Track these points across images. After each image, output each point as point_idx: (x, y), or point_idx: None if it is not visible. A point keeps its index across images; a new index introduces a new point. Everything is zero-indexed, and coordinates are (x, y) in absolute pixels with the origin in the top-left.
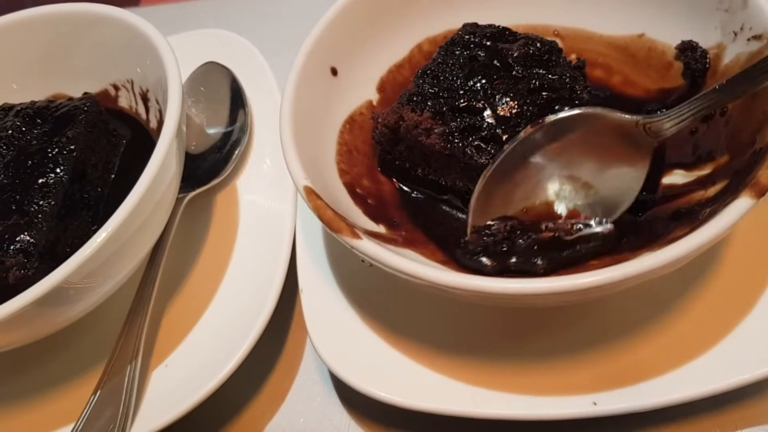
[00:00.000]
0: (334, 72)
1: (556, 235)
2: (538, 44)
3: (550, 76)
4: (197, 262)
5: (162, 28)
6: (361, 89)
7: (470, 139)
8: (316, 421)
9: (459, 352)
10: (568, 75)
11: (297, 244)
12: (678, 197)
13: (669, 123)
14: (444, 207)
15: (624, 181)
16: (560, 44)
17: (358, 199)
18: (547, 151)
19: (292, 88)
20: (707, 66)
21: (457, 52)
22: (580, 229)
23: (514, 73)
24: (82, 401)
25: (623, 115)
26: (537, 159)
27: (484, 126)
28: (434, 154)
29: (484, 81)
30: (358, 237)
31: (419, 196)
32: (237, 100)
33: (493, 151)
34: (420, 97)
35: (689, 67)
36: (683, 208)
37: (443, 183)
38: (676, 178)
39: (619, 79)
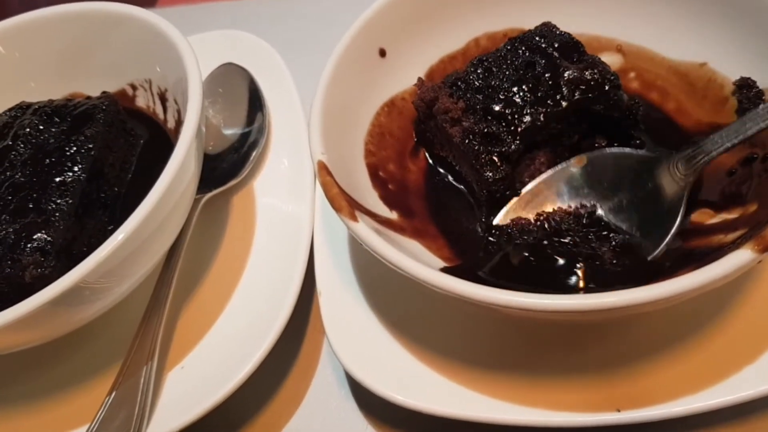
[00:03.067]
0: (382, 53)
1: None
2: (597, 73)
3: (595, 110)
4: (214, 263)
5: (178, 29)
6: (408, 74)
7: (489, 147)
8: (333, 425)
9: (479, 364)
10: (617, 114)
11: (315, 246)
12: (700, 236)
13: (700, 156)
14: (465, 203)
15: (657, 216)
16: (621, 61)
17: (378, 182)
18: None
19: (334, 63)
20: None
21: (520, 52)
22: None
23: (558, 97)
24: (97, 402)
25: (651, 155)
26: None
27: (507, 142)
28: (454, 144)
29: (528, 94)
30: (356, 219)
31: (443, 183)
32: (255, 101)
33: (503, 173)
34: (464, 85)
35: (742, 106)
36: (699, 248)
37: (458, 169)
38: (704, 217)
39: (674, 106)
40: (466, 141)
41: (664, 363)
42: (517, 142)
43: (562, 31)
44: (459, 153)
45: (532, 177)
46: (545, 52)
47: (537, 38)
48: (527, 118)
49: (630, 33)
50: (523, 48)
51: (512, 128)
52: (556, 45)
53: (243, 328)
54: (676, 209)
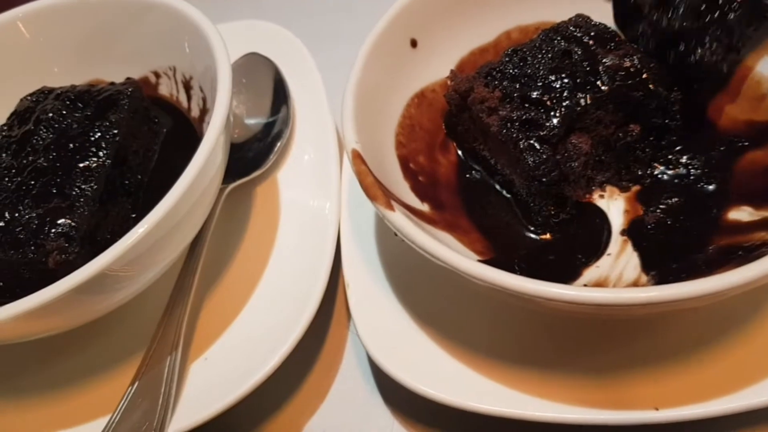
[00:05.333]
0: (413, 44)
1: None
2: (636, 60)
3: (633, 97)
4: (237, 254)
5: None
6: (439, 66)
7: (528, 134)
8: (358, 420)
9: (508, 359)
10: (654, 104)
11: (342, 239)
12: (738, 233)
13: None
14: (497, 197)
15: None
16: None
17: (409, 173)
18: None
19: (366, 52)
20: None
21: (555, 41)
22: None
23: (598, 83)
24: (120, 391)
25: None
26: None
27: (546, 126)
28: (491, 134)
29: (566, 81)
30: (392, 208)
31: (475, 177)
32: (279, 92)
33: (544, 155)
34: (499, 74)
35: None
36: (738, 245)
37: (494, 163)
38: (742, 214)
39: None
40: (504, 130)
41: (703, 361)
42: (556, 124)
43: (597, 22)
44: (496, 144)
45: (573, 160)
46: (581, 41)
47: (572, 28)
48: (566, 102)
49: None
50: (559, 38)
51: (551, 113)
52: (592, 34)
53: (268, 321)
54: None
